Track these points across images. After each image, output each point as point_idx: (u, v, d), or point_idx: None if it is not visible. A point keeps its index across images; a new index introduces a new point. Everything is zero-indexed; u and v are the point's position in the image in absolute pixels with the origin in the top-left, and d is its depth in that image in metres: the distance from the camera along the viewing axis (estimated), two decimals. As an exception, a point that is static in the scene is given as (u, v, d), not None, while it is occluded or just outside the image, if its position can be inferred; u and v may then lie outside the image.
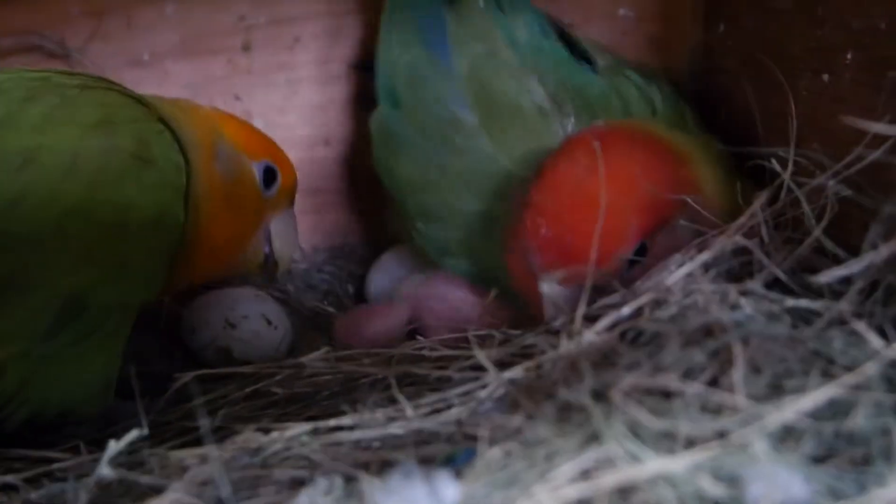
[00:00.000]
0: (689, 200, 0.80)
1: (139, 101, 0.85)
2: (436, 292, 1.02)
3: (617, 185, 0.80)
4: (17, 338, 0.75)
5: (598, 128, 0.91)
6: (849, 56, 0.82)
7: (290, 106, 1.19)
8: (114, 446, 0.69)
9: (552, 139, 0.94)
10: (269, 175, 0.94)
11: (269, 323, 1.03)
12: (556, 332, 0.77)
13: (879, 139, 0.72)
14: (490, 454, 0.58)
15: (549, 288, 0.82)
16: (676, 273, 0.74)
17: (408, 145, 1.01)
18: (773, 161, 0.77)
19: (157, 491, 0.67)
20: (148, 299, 0.84)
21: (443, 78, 1.00)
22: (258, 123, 1.08)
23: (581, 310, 0.74)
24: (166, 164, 0.81)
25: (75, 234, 0.76)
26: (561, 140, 0.93)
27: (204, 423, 0.61)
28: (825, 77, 0.86)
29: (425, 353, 0.82)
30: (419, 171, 1.01)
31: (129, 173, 0.78)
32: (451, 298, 1.01)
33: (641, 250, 0.83)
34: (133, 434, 0.70)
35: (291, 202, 0.99)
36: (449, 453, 0.65)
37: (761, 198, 0.77)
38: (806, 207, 0.74)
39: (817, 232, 0.73)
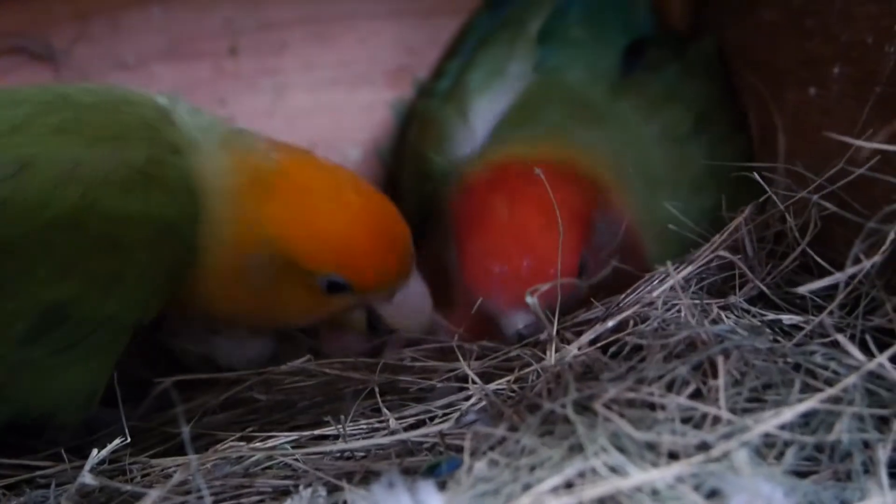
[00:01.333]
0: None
1: (163, 131, 0.81)
2: None
3: (545, 212, 0.81)
4: None
5: (503, 164, 0.91)
6: (836, 70, 0.83)
7: (276, 110, 1.18)
8: (96, 454, 0.69)
9: None
10: (335, 286, 0.83)
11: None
12: (540, 345, 0.78)
13: (865, 154, 0.72)
14: (474, 465, 0.58)
15: (516, 322, 0.83)
16: (659, 287, 0.74)
17: None
18: (756, 175, 0.76)
19: (140, 498, 0.67)
20: (144, 318, 0.80)
21: None
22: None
23: (555, 326, 0.74)
24: (178, 187, 0.78)
25: (60, 245, 0.74)
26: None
27: (185, 431, 0.60)
28: (812, 90, 0.87)
29: (407, 363, 0.82)
30: None
31: (135, 187, 0.75)
32: None
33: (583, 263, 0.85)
34: (116, 442, 0.70)
35: (399, 285, 0.86)
36: (432, 464, 0.65)
37: (744, 212, 0.77)
38: (790, 221, 0.74)
39: (802, 245, 0.74)
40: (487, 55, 1.07)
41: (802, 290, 0.67)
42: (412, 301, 0.86)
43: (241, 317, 0.86)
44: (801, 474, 0.58)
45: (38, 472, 0.75)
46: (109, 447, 0.70)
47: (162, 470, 0.73)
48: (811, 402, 0.57)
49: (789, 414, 0.57)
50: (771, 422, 0.56)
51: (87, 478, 0.67)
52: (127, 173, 0.75)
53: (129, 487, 0.69)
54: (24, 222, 0.72)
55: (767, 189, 0.76)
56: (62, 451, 0.75)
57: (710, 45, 1.05)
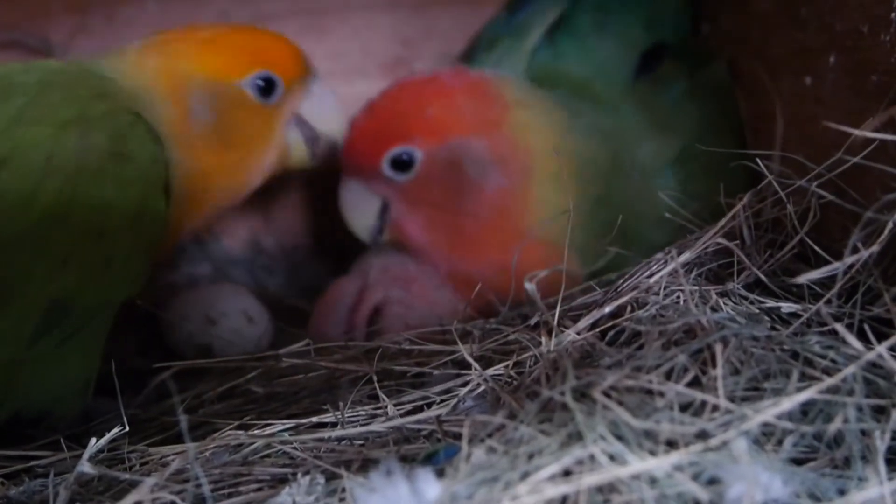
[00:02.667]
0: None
1: (104, 90, 0.82)
2: (406, 275, 1.00)
3: (400, 96, 0.98)
4: (3, 347, 0.74)
5: None
6: (831, 59, 0.83)
7: (271, 102, 1.19)
8: (94, 443, 0.69)
9: None
10: (267, 84, 0.91)
11: (250, 319, 1.03)
12: (537, 328, 0.78)
13: (860, 143, 0.72)
14: (472, 453, 0.58)
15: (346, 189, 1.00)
16: (657, 273, 0.74)
17: None
18: (759, 162, 0.77)
19: (137, 487, 0.67)
20: (132, 294, 0.82)
21: None
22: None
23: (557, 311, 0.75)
24: (143, 158, 0.79)
25: (54, 238, 0.74)
26: None
27: (182, 419, 0.60)
28: (807, 80, 0.87)
29: (406, 346, 0.82)
30: None
31: (107, 172, 0.76)
32: (423, 286, 0.99)
33: (409, 161, 0.95)
34: (114, 431, 0.70)
35: (310, 78, 0.96)
36: (430, 451, 0.65)
37: (743, 199, 0.77)
38: (790, 209, 0.74)
39: (801, 234, 0.74)
40: (488, 60, 1.08)
41: (802, 279, 0.67)
42: (328, 99, 0.97)
43: (216, 191, 0.90)
44: (799, 462, 0.58)
45: (36, 462, 0.75)
46: (108, 436, 0.70)
47: (160, 458, 0.73)
48: (810, 392, 0.57)
49: (788, 404, 0.57)
50: (770, 411, 0.57)
51: (85, 466, 0.67)
52: (97, 159, 0.76)
53: (127, 476, 0.69)
54: (13, 224, 0.72)
55: (769, 176, 0.76)
56: (61, 440, 0.75)
57: (721, 72, 1.04)
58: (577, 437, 0.57)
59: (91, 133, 0.77)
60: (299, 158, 0.96)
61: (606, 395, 0.59)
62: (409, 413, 0.73)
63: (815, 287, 0.72)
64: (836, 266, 0.68)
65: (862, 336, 0.65)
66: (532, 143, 0.94)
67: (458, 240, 0.96)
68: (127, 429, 0.72)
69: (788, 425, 0.57)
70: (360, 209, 1.01)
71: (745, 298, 0.72)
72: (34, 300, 0.74)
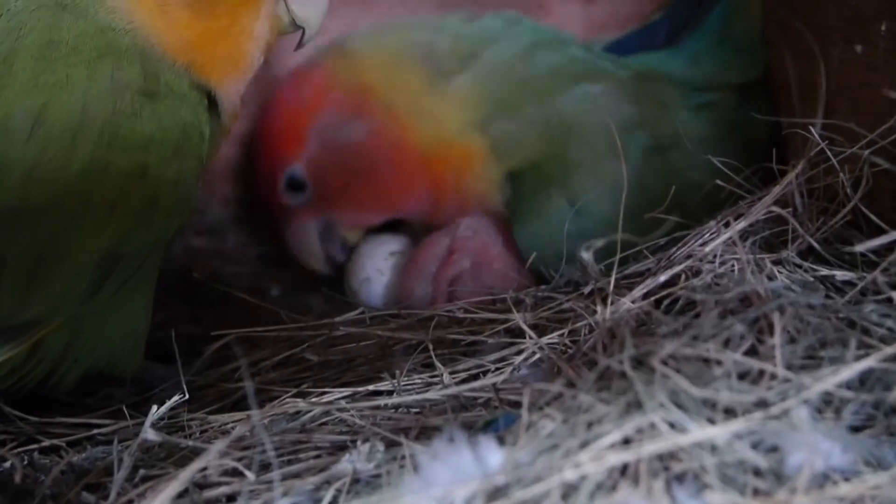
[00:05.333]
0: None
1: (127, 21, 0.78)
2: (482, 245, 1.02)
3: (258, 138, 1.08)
4: (62, 307, 0.73)
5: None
6: (883, 27, 0.82)
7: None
8: (156, 410, 0.70)
9: None
10: None
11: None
12: (591, 297, 0.78)
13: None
14: (531, 421, 0.59)
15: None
16: (711, 242, 0.74)
17: None
18: (811, 129, 0.77)
19: (200, 454, 0.68)
20: (182, 225, 0.81)
21: None
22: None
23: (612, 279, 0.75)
24: (179, 86, 0.77)
25: (97, 190, 0.72)
26: None
27: (248, 385, 0.61)
28: (858, 48, 0.86)
29: (460, 314, 0.83)
30: None
31: (143, 110, 0.74)
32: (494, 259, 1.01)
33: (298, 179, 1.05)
34: (175, 399, 0.71)
35: None
36: (489, 419, 0.66)
37: (797, 167, 0.77)
38: (843, 176, 0.74)
39: (854, 201, 0.74)
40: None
41: (861, 248, 0.67)
42: None
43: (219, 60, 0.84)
44: (857, 430, 0.59)
45: (98, 430, 0.76)
46: (169, 403, 0.71)
47: (220, 426, 0.74)
48: (869, 361, 0.58)
49: (848, 372, 0.57)
50: (830, 380, 0.57)
51: (149, 434, 0.68)
52: (132, 98, 0.74)
53: (189, 443, 0.70)
54: (57, 179, 0.71)
55: (821, 143, 0.76)
56: (123, 408, 0.76)
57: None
58: (635, 405, 0.58)
59: (121, 68, 0.75)
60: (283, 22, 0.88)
61: (664, 363, 0.60)
62: (463, 381, 0.74)
63: (868, 255, 0.72)
64: (892, 234, 0.68)
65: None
66: (368, 79, 1.03)
67: (386, 193, 1.04)
68: (187, 396, 0.73)
69: (848, 394, 0.58)
70: (305, 244, 1.08)
71: (799, 266, 0.72)
72: (88, 252, 0.73)
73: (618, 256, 0.76)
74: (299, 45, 0.90)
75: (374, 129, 1.02)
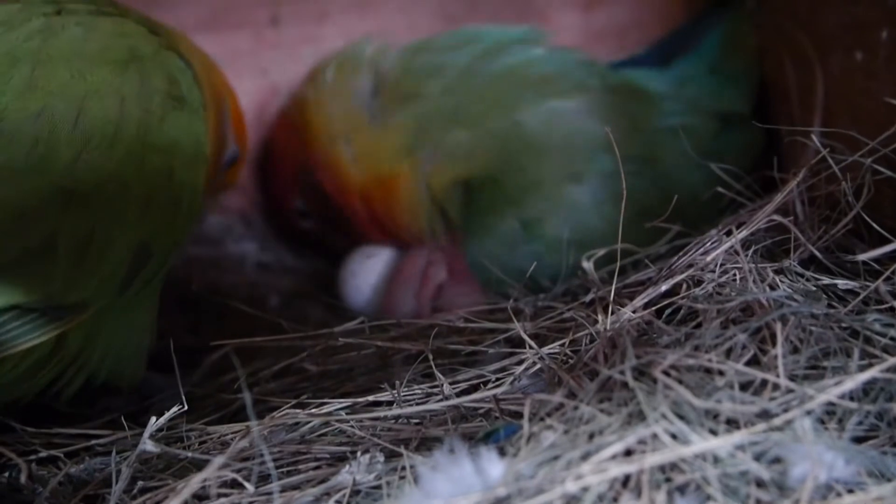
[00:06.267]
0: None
1: (151, 28, 0.83)
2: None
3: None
4: (103, 294, 0.74)
5: None
6: (884, 34, 0.82)
7: (317, 80, 1.19)
8: (155, 421, 0.70)
9: None
10: None
11: None
12: (591, 306, 0.78)
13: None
14: (533, 432, 0.59)
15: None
16: (713, 251, 0.74)
17: None
18: (813, 137, 0.76)
19: (199, 466, 0.68)
20: (190, 234, 0.84)
21: None
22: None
23: (613, 288, 0.75)
24: (193, 100, 0.81)
25: (134, 181, 0.75)
26: None
27: (247, 396, 0.61)
28: (858, 55, 0.86)
29: (460, 324, 0.82)
30: None
31: (168, 113, 0.78)
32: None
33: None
34: (174, 410, 0.71)
35: None
36: (489, 430, 0.65)
37: (798, 175, 0.77)
38: (845, 184, 0.74)
39: (857, 209, 0.73)
40: None
41: (864, 256, 0.67)
42: None
43: None
44: (860, 441, 0.58)
45: (97, 441, 0.76)
46: (168, 414, 0.70)
47: (219, 437, 0.73)
48: (873, 372, 0.57)
49: (851, 383, 0.57)
50: (833, 391, 0.57)
51: (148, 445, 0.68)
52: (161, 101, 0.78)
53: (189, 454, 0.69)
54: (101, 167, 0.73)
55: (822, 151, 0.76)
56: (121, 418, 0.76)
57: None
58: (638, 416, 0.57)
59: (147, 73, 0.78)
60: None
61: (666, 373, 0.59)
62: (464, 392, 0.74)
63: (871, 263, 0.72)
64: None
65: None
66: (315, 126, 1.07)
67: (355, 230, 1.08)
68: (186, 407, 0.72)
69: (851, 405, 0.57)
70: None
71: (801, 275, 0.72)
72: (128, 242, 0.74)
73: (617, 266, 0.75)
74: None
75: (325, 177, 1.07)
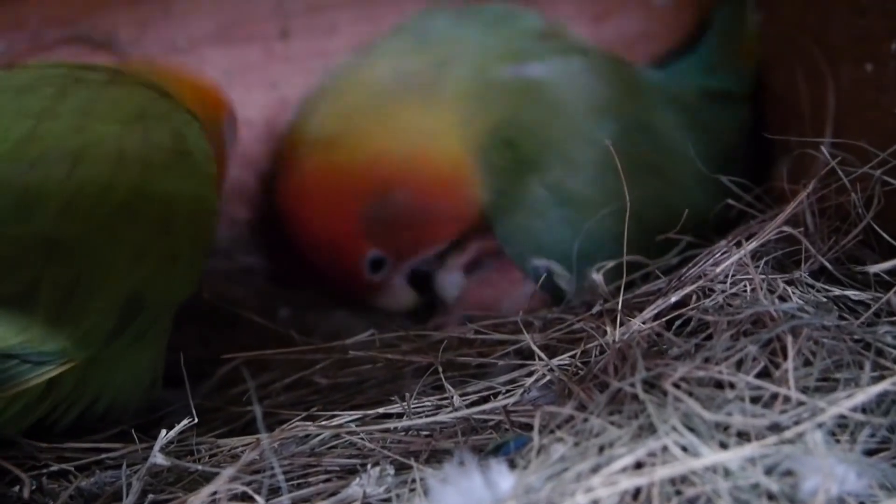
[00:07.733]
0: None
1: (164, 93, 0.85)
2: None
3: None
4: (87, 344, 0.73)
5: None
6: (893, 46, 0.82)
7: (327, 93, 1.19)
8: (165, 434, 0.70)
9: None
10: None
11: None
12: (601, 317, 0.78)
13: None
14: (543, 444, 0.58)
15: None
16: (723, 262, 0.74)
17: None
18: (822, 149, 0.76)
19: (209, 479, 0.68)
20: (191, 294, 0.83)
21: None
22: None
23: (620, 299, 0.75)
24: (199, 154, 0.81)
25: (129, 232, 0.75)
26: None
27: (257, 409, 0.61)
28: (868, 67, 0.86)
29: (470, 336, 0.82)
30: None
31: (171, 167, 0.78)
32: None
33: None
34: (184, 423, 0.71)
35: None
36: (499, 442, 0.65)
37: (808, 186, 0.76)
38: (855, 196, 0.74)
39: (867, 220, 0.73)
40: None
41: (876, 268, 0.67)
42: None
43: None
44: (871, 453, 0.58)
45: (107, 454, 0.75)
46: (178, 427, 0.70)
47: (230, 450, 0.73)
48: (885, 384, 0.57)
49: (863, 396, 0.57)
50: (845, 404, 0.57)
51: (158, 458, 0.68)
52: (163, 155, 0.78)
53: (199, 467, 0.69)
54: (92, 217, 0.73)
55: (831, 162, 0.76)
56: (132, 431, 0.76)
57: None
58: (648, 428, 0.57)
59: (154, 131, 0.79)
60: None
61: (676, 386, 0.59)
62: (474, 403, 0.74)
63: (882, 275, 0.72)
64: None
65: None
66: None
67: (433, 228, 1.02)
68: (196, 420, 0.72)
69: (863, 417, 0.57)
70: (402, 297, 1.07)
71: (812, 287, 0.72)
72: (115, 294, 0.74)
73: (624, 280, 0.75)
74: None
75: (406, 191, 1.00)
